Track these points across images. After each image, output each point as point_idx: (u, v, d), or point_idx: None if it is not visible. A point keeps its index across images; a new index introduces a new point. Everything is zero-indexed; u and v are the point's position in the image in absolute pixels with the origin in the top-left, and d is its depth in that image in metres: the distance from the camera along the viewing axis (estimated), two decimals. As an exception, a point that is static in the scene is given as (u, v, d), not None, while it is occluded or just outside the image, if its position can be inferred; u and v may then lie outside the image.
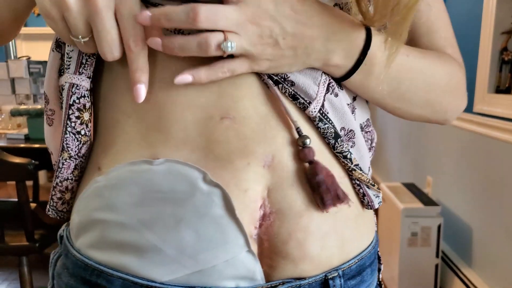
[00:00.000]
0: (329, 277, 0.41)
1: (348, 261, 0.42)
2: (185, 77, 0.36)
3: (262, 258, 0.39)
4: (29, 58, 2.86)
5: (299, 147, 0.39)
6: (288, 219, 0.39)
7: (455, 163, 1.87)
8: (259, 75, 0.39)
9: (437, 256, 1.82)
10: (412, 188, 2.07)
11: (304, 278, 0.40)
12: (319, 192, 0.39)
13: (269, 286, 0.39)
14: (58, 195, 0.43)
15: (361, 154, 0.44)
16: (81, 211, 0.41)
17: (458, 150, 1.84)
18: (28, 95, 2.81)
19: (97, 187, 0.39)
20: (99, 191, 0.39)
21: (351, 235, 0.42)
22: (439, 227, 1.80)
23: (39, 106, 2.19)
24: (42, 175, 3.83)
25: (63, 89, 0.39)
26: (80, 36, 0.35)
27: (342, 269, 0.42)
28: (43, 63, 2.82)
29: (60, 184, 0.42)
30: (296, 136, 0.39)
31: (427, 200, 1.88)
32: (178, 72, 0.36)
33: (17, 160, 1.47)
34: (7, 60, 2.82)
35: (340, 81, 0.41)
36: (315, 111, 0.39)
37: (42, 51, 4.09)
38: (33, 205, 1.59)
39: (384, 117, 3.18)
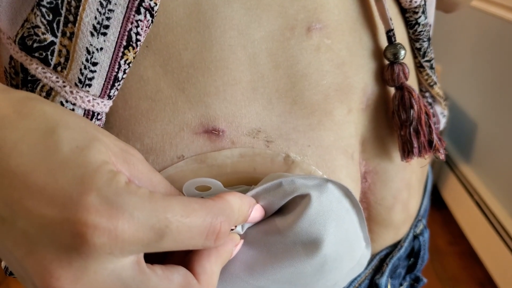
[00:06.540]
0: (417, 232, 0.33)
1: (420, 206, 0.34)
2: None
3: None
4: None
5: (388, 61, 0.26)
6: (392, 177, 0.28)
7: (470, 53, 1.68)
8: None
9: (435, 151, 1.76)
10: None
11: (400, 244, 0.31)
12: (406, 133, 0.26)
13: (370, 270, 0.30)
14: None
15: None
16: None
17: (476, 37, 1.64)
18: None
19: None
20: None
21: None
22: (442, 122, 1.70)
23: None
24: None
25: None
26: None
27: (420, 218, 0.34)
28: None
29: None
30: (384, 45, 0.26)
31: (434, 93, 1.75)
32: None
33: None
34: None
35: None
36: None
37: None
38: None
39: None
